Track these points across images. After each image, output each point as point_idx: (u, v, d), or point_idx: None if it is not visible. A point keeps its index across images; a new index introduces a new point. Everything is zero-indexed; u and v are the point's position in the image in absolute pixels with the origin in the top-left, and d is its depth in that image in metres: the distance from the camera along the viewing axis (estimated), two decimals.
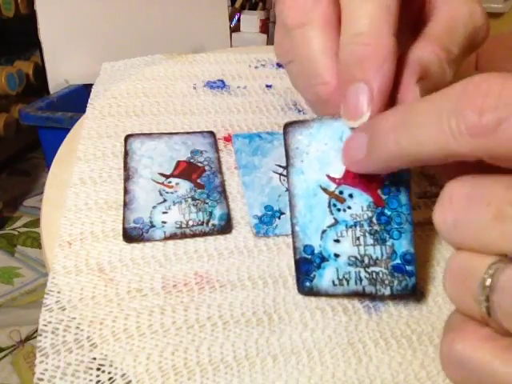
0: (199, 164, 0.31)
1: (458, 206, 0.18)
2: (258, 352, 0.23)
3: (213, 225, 0.28)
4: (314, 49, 0.24)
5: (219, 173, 0.31)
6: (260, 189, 0.30)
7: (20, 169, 1.53)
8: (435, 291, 0.26)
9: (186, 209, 0.29)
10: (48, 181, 0.31)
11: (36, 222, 1.28)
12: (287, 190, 0.25)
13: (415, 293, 0.24)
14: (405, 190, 0.24)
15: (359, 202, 0.24)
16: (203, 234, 0.28)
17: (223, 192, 0.30)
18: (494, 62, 0.43)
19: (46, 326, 0.23)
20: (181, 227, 0.28)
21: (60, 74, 1.14)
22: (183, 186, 0.30)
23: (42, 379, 0.21)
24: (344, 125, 0.24)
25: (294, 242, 0.25)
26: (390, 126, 0.20)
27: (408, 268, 0.24)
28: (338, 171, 0.24)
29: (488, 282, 0.17)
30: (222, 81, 0.39)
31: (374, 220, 0.24)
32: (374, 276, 0.24)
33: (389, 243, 0.24)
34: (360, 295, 0.25)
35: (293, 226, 0.25)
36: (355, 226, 0.24)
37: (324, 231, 0.24)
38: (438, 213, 0.19)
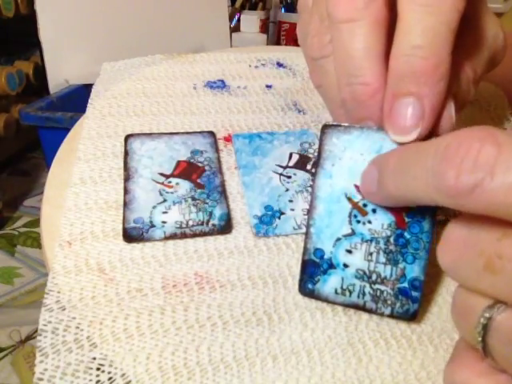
0: (199, 164, 0.31)
1: (456, 248, 0.18)
2: (258, 352, 0.23)
3: (213, 225, 0.28)
4: (359, 47, 0.24)
5: (219, 173, 0.31)
6: (260, 189, 0.30)
7: (20, 169, 1.53)
8: (435, 291, 0.26)
9: (185, 209, 0.29)
10: (48, 181, 0.31)
11: (36, 222, 1.28)
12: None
13: (414, 319, 0.24)
14: (430, 219, 0.24)
15: (381, 219, 0.24)
16: (203, 234, 0.28)
17: (223, 192, 0.30)
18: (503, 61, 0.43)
19: (45, 325, 0.23)
20: (181, 227, 0.28)
21: (60, 74, 1.14)
22: (183, 186, 0.30)
23: (41, 379, 0.21)
24: (384, 138, 0.24)
25: (305, 243, 0.25)
26: (390, 170, 0.21)
27: (414, 294, 0.24)
28: None
29: (483, 324, 0.17)
30: (222, 81, 0.39)
31: (392, 240, 0.24)
32: (378, 294, 0.24)
33: (401, 265, 0.24)
34: (359, 309, 0.24)
35: (308, 226, 0.25)
36: (371, 241, 0.24)
37: (338, 239, 0.24)
38: (439, 250, 0.19)
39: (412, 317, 0.24)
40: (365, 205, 0.24)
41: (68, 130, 0.35)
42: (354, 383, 0.22)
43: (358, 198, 0.24)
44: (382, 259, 0.24)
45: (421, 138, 0.22)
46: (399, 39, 0.23)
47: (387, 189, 0.22)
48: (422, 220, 0.24)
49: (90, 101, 0.36)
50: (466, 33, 0.27)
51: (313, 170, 0.31)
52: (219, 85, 0.39)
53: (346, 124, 0.24)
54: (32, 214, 1.32)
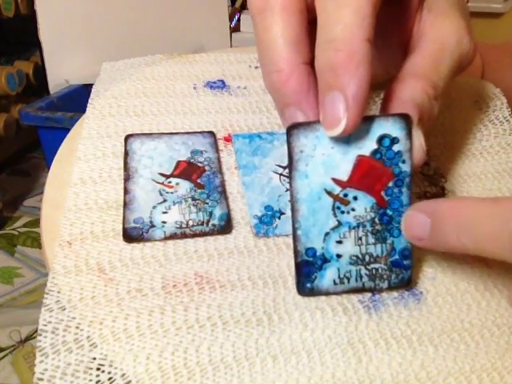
0: (199, 164, 0.31)
1: None
2: (258, 352, 0.23)
3: (213, 225, 0.28)
4: (270, 35, 0.24)
5: (219, 173, 0.31)
6: (260, 189, 0.30)
7: (20, 169, 1.53)
8: (435, 291, 0.26)
9: (186, 209, 0.29)
10: (48, 181, 0.31)
11: (36, 222, 1.28)
12: (289, 192, 0.25)
13: (410, 284, 0.26)
14: (407, 192, 0.25)
15: (363, 204, 0.25)
16: (203, 234, 0.28)
17: (223, 192, 0.30)
18: (499, 70, 0.43)
19: (45, 325, 0.23)
20: (181, 227, 0.28)
21: (60, 74, 1.14)
22: (183, 186, 0.30)
23: (41, 379, 0.21)
24: None
25: (295, 246, 0.25)
26: (453, 225, 0.21)
27: (405, 262, 0.25)
28: (343, 174, 0.24)
29: None
30: (222, 81, 0.39)
31: (377, 220, 0.25)
32: (374, 272, 0.25)
33: (389, 241, 0.25)
34: (359, 291, 0.25)
35: (294, 230, 0.25)
36: (358, 226, 0.25)
37: (327, 234, 0.25)
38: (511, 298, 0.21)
39: (407, 283, 0.25)
40: (345, 194, 0.25)
41: (68, 130, 0.35)
42: (354, 383, 0.22)
43: (337, 190, 0.25)
44: (372, 240, 0.25)
45: (349, 129, 0.23)
46: (317, 36, 0.23)
47: (447, 240, 0.22)
48: (400, 194, 0.25)
49: (90, 101, 0.36)
50: (418, 36, 0.28)
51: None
52: (219, 85, 0.39)
53: (311, 121, 0.24)
54: (32, 213, 1.33)
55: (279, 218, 0.29)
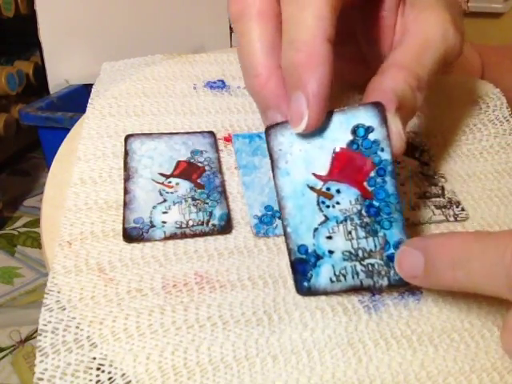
0: (199, 164, 0.31)
1: None
2: (258, 352, 0.23)
3: (213, 225, 0.28)
4: (248, 40, 0.25)
5: (219, 173, 0.31)
6: (260, 189, 0.30)
7: (20, 169, 1.53)
8: (435, 291, 0.26)
9: (186, 209, 0.29)
10: (48, 181, 0.31)
11: (36, 222, 1.28)
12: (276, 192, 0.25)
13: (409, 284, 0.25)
14: (391, 180, 0.24)
15: (347, 197, 0.25)
16: (203, 234, 0.28)
17: (223, 192, 0.30)
18: (499, 72, 0.43)
19: (45, 325, 0.23)
20: (181, 227, 0.28)
21: (60, 74, 1.14)
22: (183, 186, 0.30)
23: (41, 379, 0.21)
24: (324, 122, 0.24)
25: (287, 244, 0.25)
26: (447, 262, 0.21)
27: None
28: (323, 168, 0.25)
29: None
30: (222, 81, 0.39)
31: (364, 212, 0.24)
32: (370, 268, 0.24)
33: (381, 234, 0.24)
34: (358, 289, 0.25)
35: (284, 227, 0.25)
36: (346, 220, 0.25)
37: (316, 229, 0.25)
38: (502, 338, 0.21)
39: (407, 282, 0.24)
40: (328, 188, 0.25)
41: (68, 130, 0.35)
42: (354, 383, 0.22)
43: (319, 184, 0.25)
44: (362, 234, 0.24)
45: (312, 125, 0.23)
46: (282, 37, 0.24)
47: (441, 278, 0.22)
48: (384, 184, 0.24)
49: (90, 101, 0.36)
50: (402, 31, 0.28)
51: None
52: (219, 85, 0.39)
53: (286, 120, 0.25)
54: (32, 213, 1.33)
55: (279, 217, 0.29)
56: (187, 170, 0.31)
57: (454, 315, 0.25)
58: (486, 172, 0.33)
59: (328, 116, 0.24)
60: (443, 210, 0.30)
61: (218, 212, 0.29)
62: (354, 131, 0.24)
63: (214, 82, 0.39)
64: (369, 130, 0.24)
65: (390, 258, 0.24)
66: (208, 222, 0.28)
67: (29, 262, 1.15)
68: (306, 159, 0.25)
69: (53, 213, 0.29)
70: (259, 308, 0.25)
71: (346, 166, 0.24)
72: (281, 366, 0.23)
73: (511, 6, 1.51)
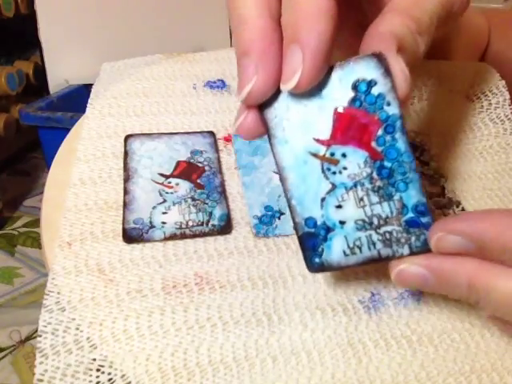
0: (199, 164, 0.31)
1: None
2: (258, 353, 0.23)
3: (212, 225, 0.28)
4: (243, 4, 0.23)
5: (219, 173, 0.31)
6: (260, 189, 0.30)
7: (20, 169, 1.53)
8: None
9: (185, 209, 0.29)
10: (48, 181, 0.31)
11: (36, 222, 1.28)
12: (276, 164, 0.23)
13: None
14: (401, 137, 0.22)
15: (354, 160, 0.22)
16: (203, 235, 0.28)
17: (223, 192, 0.30)
18: (507, 41, 0.43)
19: (45, 326, 0.23)
20: (180, 228, 0.28)
21: (60, 74, 1.14)
22: (183, 187, 0.30)
23: (41, 380, 0.21)
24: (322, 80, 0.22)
25: (293, 218, 0.23)
26: (464, 282, 0.22)
27: (423, 220, 0.22)
28: (325, 132, 0.22)
29: None
30: (222, 80, 0.39)
31: (375, 175, 0.22)
32: (388, 236, 0.22)
33: (396, 197, 0.22)
34: (377, 261, 0.22)
35: (288, 200, 0.23)
36: (355, 186, 0.22)
37: (323, 199, 0.22)
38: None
39: None
40: (332, 153, 0.22)
41: (68, 130, 0.35)
42: None
43: (322, 150, 0.22)
44: (375, 199, 0.22)
45: (304, 82, 0.21)
46: None
47: (454, 292, 0.22)
48: (394, 142, 0.22)
49: (89, 101, 0.36)
50: None
51: None
52: (219, 85, 0.39)
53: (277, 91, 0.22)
54: (32, 213, 1.32)
55: (279, 218, 0.29)
56: (187, 170, 0.31)
57: (455, 315, 0.25)
58: (486, 172, 0.33)
59: (326, 74, 0.22)
60: (443, 209, 0.30)
61: (217, 212, 0.29)
62: (355, 87, 0.22)
63: (214, 82, 0.39)
64: (371, 83, 0.22)
65: (410, 223, 0.22)
66: (208, 222, 0.28)
67: (29, 262, 1.15)
68: (305, 123, 0.22)
69: (53, 213, 0.29)
70: (259, 309, 0.25)
71: (349, 127, 0.22)
72: (280, 367, 0.23)
73: (511, 5, 1.51)
